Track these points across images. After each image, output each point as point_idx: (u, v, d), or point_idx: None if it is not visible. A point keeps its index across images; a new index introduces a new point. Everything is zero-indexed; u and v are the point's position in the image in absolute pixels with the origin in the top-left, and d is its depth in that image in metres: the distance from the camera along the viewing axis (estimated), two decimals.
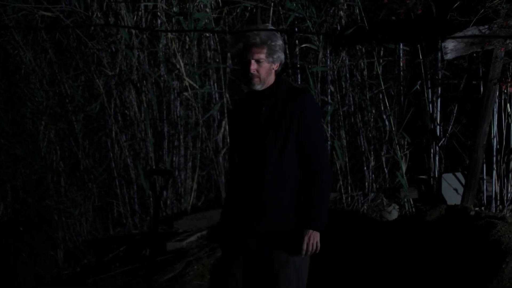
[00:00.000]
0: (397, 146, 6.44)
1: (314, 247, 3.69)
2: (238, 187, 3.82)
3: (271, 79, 3.79)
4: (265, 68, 3.74)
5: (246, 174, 3.77)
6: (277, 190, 3.71)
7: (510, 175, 6.32)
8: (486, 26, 5.70)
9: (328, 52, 6.68)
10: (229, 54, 6.92)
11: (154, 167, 6.81)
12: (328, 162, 3.87)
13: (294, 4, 6.49)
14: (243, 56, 3.73)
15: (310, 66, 6.62)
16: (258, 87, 3.75)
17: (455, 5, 5.74)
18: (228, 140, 6.74)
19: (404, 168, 6.41)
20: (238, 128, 3.87)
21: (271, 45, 3.73)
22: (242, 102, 3.95)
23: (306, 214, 3.70)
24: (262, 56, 3.72)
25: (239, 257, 3.76)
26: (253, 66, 3.71)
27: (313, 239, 3.69)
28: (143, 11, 6.87)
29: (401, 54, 6.60)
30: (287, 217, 3.73)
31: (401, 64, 6.63)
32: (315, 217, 3.70)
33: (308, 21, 6.52)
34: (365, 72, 6.65)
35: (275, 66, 3.79)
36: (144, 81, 6.84)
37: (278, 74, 3.84)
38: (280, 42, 3.78)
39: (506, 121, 6.26)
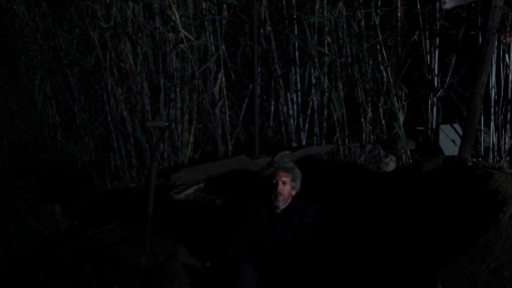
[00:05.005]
0: (395, 97, 6.42)
1: None
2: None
3: (289, 200, 4.88)
4: (288, 190, 4.86)
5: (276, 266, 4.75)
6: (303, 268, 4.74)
7: (507, 126, 6.32)
8: None
9: (325, 2, 6.61)
10: (225, 6, 6.86)
11: (150, 120, 6.78)
12: None
13: None
14: (273, 178, 4.84)
15: (307, 17, 6.56)
16: (281, 204, 4.84)
17: None
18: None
19: (401, 119, 6.40)
20: (262, 240, 4.81)
21: (294, 172, 4.91)
22: (263, 214, 4.88)
23: None
24: (288, 179, 4.85)
25: None
26: (280, 186, 4.82)
27: None
28: None
29: (399, 4, 6.55)
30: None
31: (399, 14, 6.58)
32: None
33: None
34: (363, 23, 6.60)
35: (294, 192, 4.91)
36: (139, 34, 6.76)
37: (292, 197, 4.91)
38: (300, 172, 4.93)
39: (505, 71, 6.24)
